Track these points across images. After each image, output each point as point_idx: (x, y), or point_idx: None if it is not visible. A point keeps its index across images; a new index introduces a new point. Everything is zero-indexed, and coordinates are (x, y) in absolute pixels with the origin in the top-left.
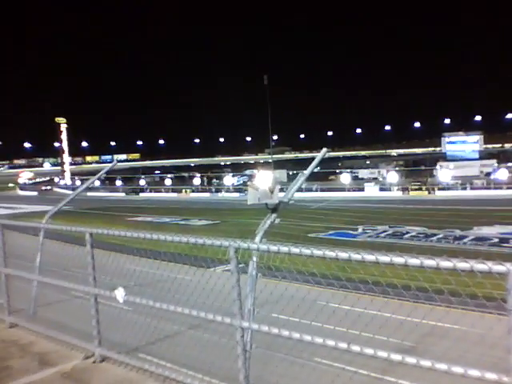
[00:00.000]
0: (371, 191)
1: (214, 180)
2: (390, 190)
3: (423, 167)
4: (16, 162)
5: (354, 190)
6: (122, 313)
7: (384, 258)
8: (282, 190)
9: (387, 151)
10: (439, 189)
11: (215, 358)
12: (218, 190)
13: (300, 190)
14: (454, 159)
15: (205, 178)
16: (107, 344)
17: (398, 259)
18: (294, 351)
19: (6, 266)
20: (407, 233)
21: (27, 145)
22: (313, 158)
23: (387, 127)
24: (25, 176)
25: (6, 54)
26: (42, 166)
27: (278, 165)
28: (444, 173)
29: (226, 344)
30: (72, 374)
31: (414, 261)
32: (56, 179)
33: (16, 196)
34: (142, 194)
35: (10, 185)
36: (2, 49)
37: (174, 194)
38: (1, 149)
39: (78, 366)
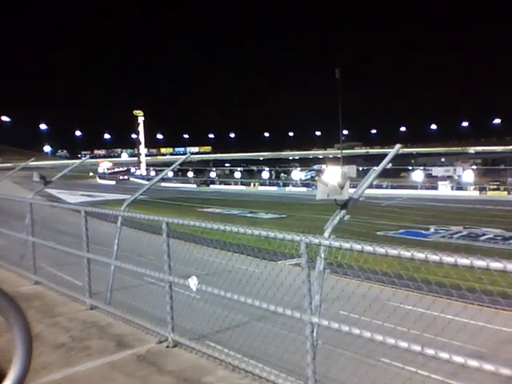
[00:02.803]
0: (445, 190)
1: (282, 174)
2: (466, 190)
3: (503, 166)
4: (96, 152)
5: (426, 188)
6: (191, 300)
7: (463, 261)
8: (351, 186)
9: (464, 148)
10: None
11: (283, 351)
12: (285, 184)
13: (370, 186)
14: None
15: (273, 172)
16: (178, 330)
17: (479, 262)
18: (363, 350)
19: (88, 250)
20: (483, 234)
21: (107, 136)
22: (384, 154)
23: (464, 123)
24: (104, 166)
25: (87, 52)
26: (119, 157)
27: (347, 160)
28: None
29: (294, 338)
30: (147, 356)
31: (496, 265)
32: (132, 169)
33: (95, 184)
34: (212, 186)
35: (91, 174)
36: (83, 46)
37: (243, 187)
38: (83, 139)
39: (153, 349)
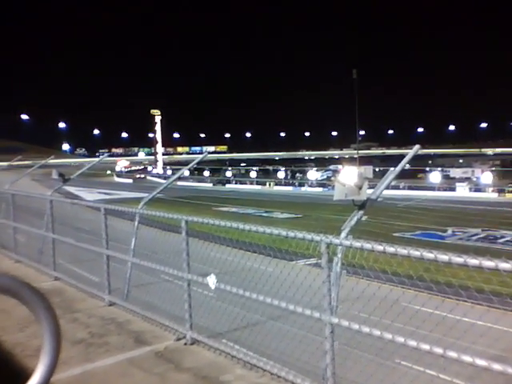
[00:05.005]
0: (463, 191)
1: (298, 174)
2: (484, 191)
3: None
4: (114, 150)
5: (444, 190)
6: (208, 299)
7: (488, 263)
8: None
9: (482, 150)
10: None
11: (301, 352)
12: (301, 184)
13: (387, 187)
14: None
15: (288, 172)
16: (196, 328)
17: (504, 265)
18: (384, 353)
19: (107, 247)
20: (502, 237)
21: (124, 135)
22: (401, 155)
23: (483, 124)
24: (121, 164)
25: (106, 52)
26: (137, 155)
27: (363, 160)
28: None
29: (313, 339)
30: (165, 353)
31: None
32: (149, 168)
33: (113, 183)
34: (227, 185)
35: (108, 172)
36: (103, 46)
37: (258, 187)
38: (101, 138)
39: (171, 346)
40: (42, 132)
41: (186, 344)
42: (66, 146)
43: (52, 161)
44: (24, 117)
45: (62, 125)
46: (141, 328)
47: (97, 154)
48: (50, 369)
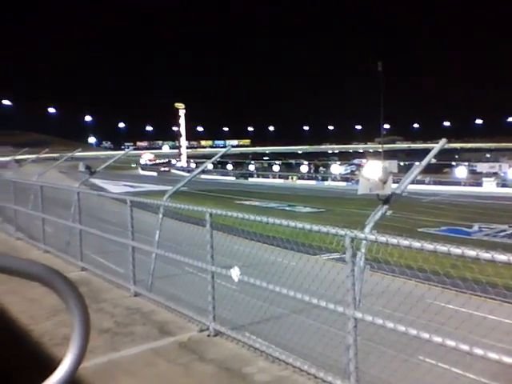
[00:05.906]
0: (490, 187)
1: (321, 168)
2: None
3: None
4: (139, 144)
5: (470, 185)
6: (231, 292)
7: None
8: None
9: (510, 144)
10: None
11: (323, 345)
12: (324, 179)
13: (411, 181)
14: None
15: (312, 166)
16: (219, 320)
17: None
18: (407, 348)
19: (133, 239)
20: None
21: (149, 128)
22: (427, 149)
23: (511, 118)
24: (146, 157)
25: (131, 46)
26: (161, 149)
27: (388, 155)
28: None
29: (336, 333)
30: (188, 344)
31: None
32: (173, 161)
33: (137, 176)
34: (250, 179)
35: (133, 165)
36: (127, 43)
37: (281, 181)
38: (126, 131)
39: (194, 337)
40: (68, 125)
41: (209, 335)
42: (92, 139)
43: (78, 153)
44: (51, 110)
45: (88, 118)
46: (165, 318)
47: (122, 147)
48: (79, 357)
